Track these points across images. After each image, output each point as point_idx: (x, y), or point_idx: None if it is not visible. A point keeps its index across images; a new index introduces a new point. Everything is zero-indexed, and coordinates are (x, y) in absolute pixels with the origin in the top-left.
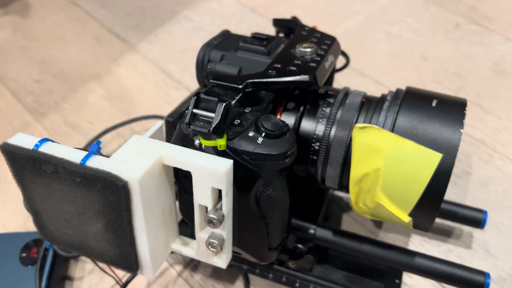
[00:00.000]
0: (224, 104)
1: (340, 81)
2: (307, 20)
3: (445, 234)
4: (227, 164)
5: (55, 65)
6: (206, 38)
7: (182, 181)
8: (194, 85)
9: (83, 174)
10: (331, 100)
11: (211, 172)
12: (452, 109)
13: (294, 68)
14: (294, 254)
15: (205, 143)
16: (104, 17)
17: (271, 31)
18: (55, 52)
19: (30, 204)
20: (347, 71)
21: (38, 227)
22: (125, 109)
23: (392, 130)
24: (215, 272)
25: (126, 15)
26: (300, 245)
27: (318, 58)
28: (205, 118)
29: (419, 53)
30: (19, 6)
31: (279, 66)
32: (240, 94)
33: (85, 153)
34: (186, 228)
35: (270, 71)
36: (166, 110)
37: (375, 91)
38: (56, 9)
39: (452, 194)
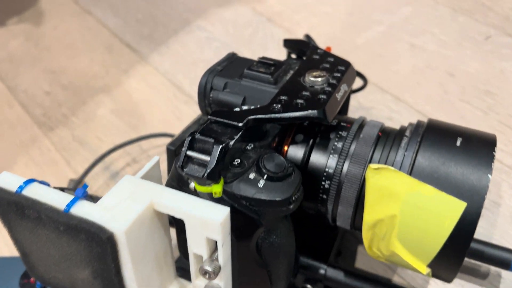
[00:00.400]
0: (220, 146)
1: (358, 98)
2: (324, 30)
3: (470, 273)
4: (223, 213)
5: (65, 76)
6: (218, 49)
7: (179, 221)
8: None
9: (66, 224)
10: (344, 133)
11: (205, 222)
12: (480, 149)
13: (302, 101)
14: None
15: (200, 188)
16: (116, 26)
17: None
18: (65, 62)
19: (18, 245)
20: (367, 87)
21: (27, 267)
22: (133, 124)
23: (411, 172)
24: None
25: (138, 23)
26: (309, 286)
27: (330, 89)
28: (199, 161)
29: (445, 68)
30: (33, 14)
31: (285, 98)
32: (240, 133)
33: (70, 198)
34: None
35: (274, 105)
36: (175, 126)
37: (397, 109)
38: (69, 17)
39: (478, 227)
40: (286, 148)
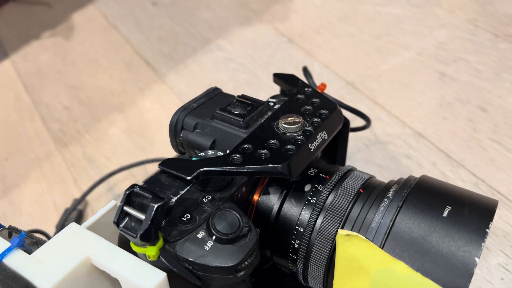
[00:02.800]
0: (156, 205)
1: (375, 131)
2: (346, 54)
3: None
4: (156, 279)
5: (84, 92)
6: (235, 70)
7: None
8: None
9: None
10: (320, 187)
11: (138, 287)
12: (471, 223)
13: (266, 152)
14: None
15: (135, 249)
16: (138, 42)
17: (306, 62)
18: (86, 78)
19: None
20: (386, 118)
21: None
22: (142, 145)
23: (385, 242)
24: None
25: (159, 40)
26: None
27: (302, 137)
28: (136, 218)
29: (477, 101)
30: (65, 28)
31: (249, 146)
32: (188, 187)
33: (7, 245)
34: None
35: (234, 155)
36: None
37: (416, 147)
38: (97, 32)
39: None
40: (256, 199)
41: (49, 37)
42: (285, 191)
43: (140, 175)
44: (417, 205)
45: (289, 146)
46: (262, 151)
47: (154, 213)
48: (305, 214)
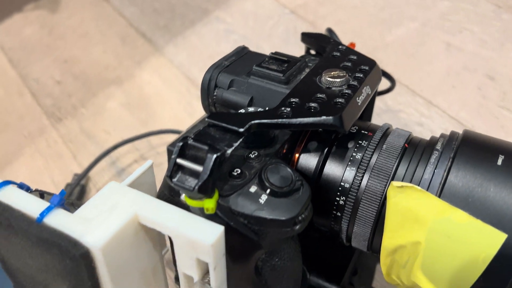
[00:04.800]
0: (215, 155)
1: (386, 100)
2: (351, 25)
3: None
4: (215, 233)
5: (77, 66)
6: (237, 42)
7: None
8: None
9: (37, 236)
10: (364, 143)
11: (195, 242)
12: None
13: (316, 105)
14: None
15: (190, 202)
16: (132, 15)
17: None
18: (78, 52)
19: None
20: (396, 87)
21: (8, 274)
22: (143, 119)
23: (440, 194)
24: None
25: (154, 13)
26: None
27: (349, 91)
28: (191, 171)
29: (484, 70)
30: (49, 1)
31: (297, 100)
32: (241, 139)
33: (46, 205)
34: None
35: (283, 108)
36: (187, 123)
37: (428, 114)
38: (85, 5)
39: None
40: (297, 156)
41: (32, 9)
42: (327, 148)
43: (144, 149)
44: (469, 155)
45: (337, 100)
46: (311, 104)
47: (213, 164)
48: (351, 171)
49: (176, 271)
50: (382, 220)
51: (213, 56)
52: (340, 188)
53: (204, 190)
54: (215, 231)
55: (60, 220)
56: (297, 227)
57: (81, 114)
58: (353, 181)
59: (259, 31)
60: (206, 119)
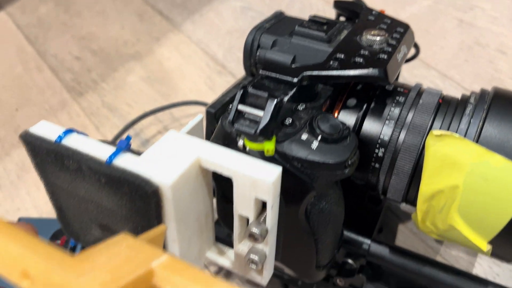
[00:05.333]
0: (275, 100)
1: (402, 72)
2: (366, 3)
3: None
4: (275, 172)
5: (95, 43)
6: (254, 19)
7: (222, 183)
8: (239, 70)
9: (108, 175)
10: (401, 99)
11: (256, 181)
12: None
13: (361, 60)
14: (343, 270)
15: (251, 145)
16: None
17: (328, 15)
18: (95, 29)
19: (54, 199)
20: (412, 61)
21: (62, 224)
22: (164, 92)
23: (477, 141)
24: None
25: None
26: (350, 261)
27: (389, 49)
28: (251, 117)
29: (495, 45)
30: None
31: (342, 56)
32: (294, 89)
33: (113, 149)
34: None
35: (331, 62)
36: (207, 96)
37: (443, 87)
38: None
39: None
40: (337, 113)
41: None
42: (365, 105)
43: (167, 120)
44: (503, 105)
45: (380, 55)
46: (356, 59)
47: (274, 108)
48: (389, 125)
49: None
50: (419, 172)
51: (231, 33)
52: (379, 141)
53: (265, 133)
54: (275, 171)
55: (129, 162)
56: (347, 170)
57: (102, 88)
58: (392, 134)
59: (276, 7)
60: (261, 71)
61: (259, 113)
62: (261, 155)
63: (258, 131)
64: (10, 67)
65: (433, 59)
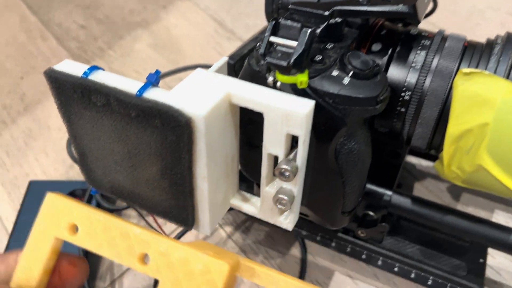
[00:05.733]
0: (309, 30)
1: None
2: None
3: None
4: (308, 105)
5: (100, 11)
6: None
7: (247, 128)
8: (248, 36)
9: (139, 107)
10: (427, 42)
11: (289, 114)
12: None
13: None
14: (365, 222)
15: (283, 79)
16: None
17: None
18: None
19: (76, 143)
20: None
21: (83, 171)
22: (173, 59)
23: (508, 77)
24: (269, 237)
25: None
26: (371, 213)
27: None
28: (283, 49)
29: (506, 9)
30: None
31: None
32: (325, 23)
33: (142, 84)
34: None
35: (361, 0)
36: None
37: None
38: None
39: None
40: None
41: None
42: (391, 49)
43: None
44: None
45: None
46: None
47: (308, 38)
48: (415, 69)
49: None
50: (445, 117)
51: (240, 1)
52: (405, 84)
53: (299, 64)
54: (308, 104)
55: (160, 94)
56: (378, 106)
57: (109, 55)
58: (418, 78)
59: None
60: (290, 6)
61: (292, 43)
62: (293, 90)
63: (291, 62)
64: (14, 36)
65: (444, 23)
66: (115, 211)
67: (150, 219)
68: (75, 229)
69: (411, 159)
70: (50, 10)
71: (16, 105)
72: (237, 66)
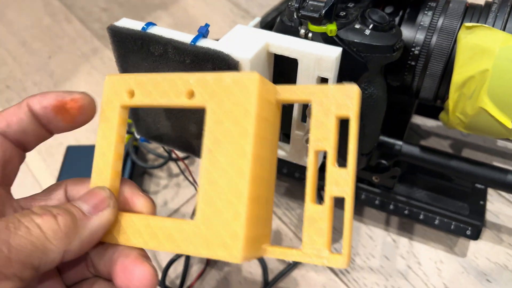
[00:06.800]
0: None
1: None
2: None
3: None
4: (336, 50)
5: None
6: None
7: (275, 79)
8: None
9: (194, 53)
10: (433, 4)
11: (320, 58)
12: None
13: None
14: (378, 169)
15: (314, 29)
16: None
17: None
18: None
19: None
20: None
21: (133, 119)
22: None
23: (505, 25)
24: (288, 191)
25: None
26: (383, 161)
27: None
28: (314, 3)
29: None
30: None
31: None
32: None
33: (193, 35)
34: None
35: None
36: None
37: None
38: None
39: None
40: None
41: None
42: (401, 11)
43: None
44: None
45: None
46: None
47: None
48: (423, 28)
49: None
50: (448, 72)
51: None
52: (415, 40)
53: (329, 15)
54: (337, 49)
55: (210, 43)
56: (395, 53)
57: None
58: (424, 37)
59: None
60: None
61: None
62: (323, 39)
63: (323, 13)
64: (39, 19)
65: None
66: (146, 172)
67: (187, 174)
68: (133, 93)
69: (416, 119)
70: None
71: (46, 81)
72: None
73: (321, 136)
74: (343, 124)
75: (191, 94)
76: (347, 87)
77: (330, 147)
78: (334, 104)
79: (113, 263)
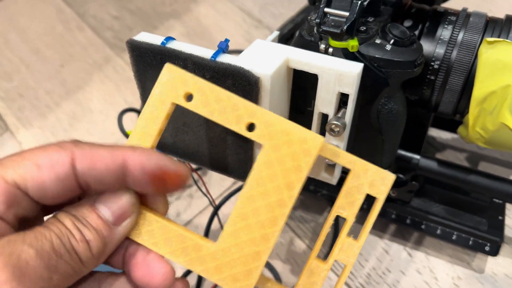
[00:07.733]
0: (360, 1)
1: None
2: None
3: None
4: (358, 66)
5: (132, 3)
6: None
7: (294, 93)
8: (275, 25)
9: (214, 69)
10: (453, 18)
11: (341, 74)
12: None
13: None
14: (395, 183)
15: (336, 44)
16: None
17: None
18: None
19: None
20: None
21: None
22: (205, 46)
23: None
24: (302, 204)
25: None
26: (401, 175)
27: None
28: (336, 19)
29: None
30: None
31: None
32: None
33: (213, 51)
34: None
35: None
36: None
37: None
38: None
39: None
40: None
41: None
42: (420, 25)
43: None
44: None
45: None
46: None
47: (359, 8)
48: (443, 42)
49: None
50: (468, 87)
51: None
52: (434, 55)
53: (350, 31)
54: (358, 65)
55: (230, 59)
56: (416, 69)
57: None
58: (444, 52)
59: None
60: None
61: (345, 13)
62: (344, 54)
63: (344, 28)
64: (51, 28)
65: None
66: None
67: (200, 184)
68: (190, 97)
69: (432, 132)
70: (84, 3)
71: (58, 89)
72: (284, 39)
73: (346, 205)
74: None
75: (252, 127)
76: (386, 174)
77: (351, 217)
78: (369, 183)
79: (131, 256)
